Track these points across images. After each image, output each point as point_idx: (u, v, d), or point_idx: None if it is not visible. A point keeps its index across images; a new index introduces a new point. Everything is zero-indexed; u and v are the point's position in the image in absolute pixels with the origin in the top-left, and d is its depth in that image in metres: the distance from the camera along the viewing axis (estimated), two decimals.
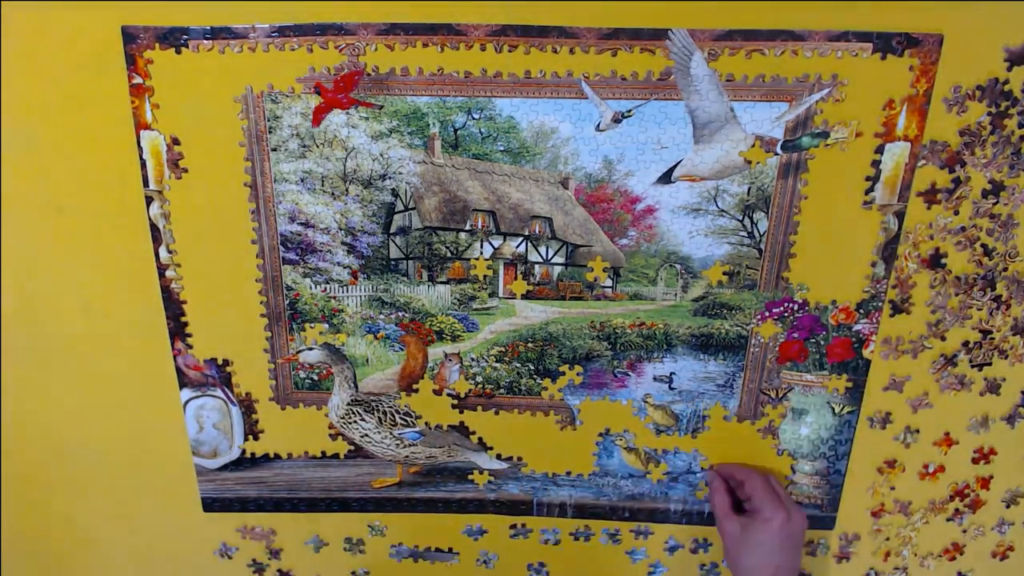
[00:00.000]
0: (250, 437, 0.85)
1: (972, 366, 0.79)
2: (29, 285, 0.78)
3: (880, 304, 0.76)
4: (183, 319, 0.78)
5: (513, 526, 0.89)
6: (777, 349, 0.78)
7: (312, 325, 0.79)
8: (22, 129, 0.71)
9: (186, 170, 0.72)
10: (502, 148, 0.71)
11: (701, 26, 0.65)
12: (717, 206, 0.73)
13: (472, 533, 0.90)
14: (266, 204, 0.74)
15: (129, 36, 0.66)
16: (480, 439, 0.84)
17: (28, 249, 0.76)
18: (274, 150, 0.71)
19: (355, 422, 0.82)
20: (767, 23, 0.65)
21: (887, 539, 0.88)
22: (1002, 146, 0.69)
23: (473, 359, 0.81)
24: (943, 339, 0.77)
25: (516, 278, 0.78)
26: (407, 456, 0.84)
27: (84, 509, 0.90)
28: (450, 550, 0.92)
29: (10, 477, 0.88)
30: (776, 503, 0.74)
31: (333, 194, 0.74)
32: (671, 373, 0.80)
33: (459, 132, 0.71)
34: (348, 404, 0.81)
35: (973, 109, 0.67)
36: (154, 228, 0.74)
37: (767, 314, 0.77)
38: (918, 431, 0.82)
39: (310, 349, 0.79)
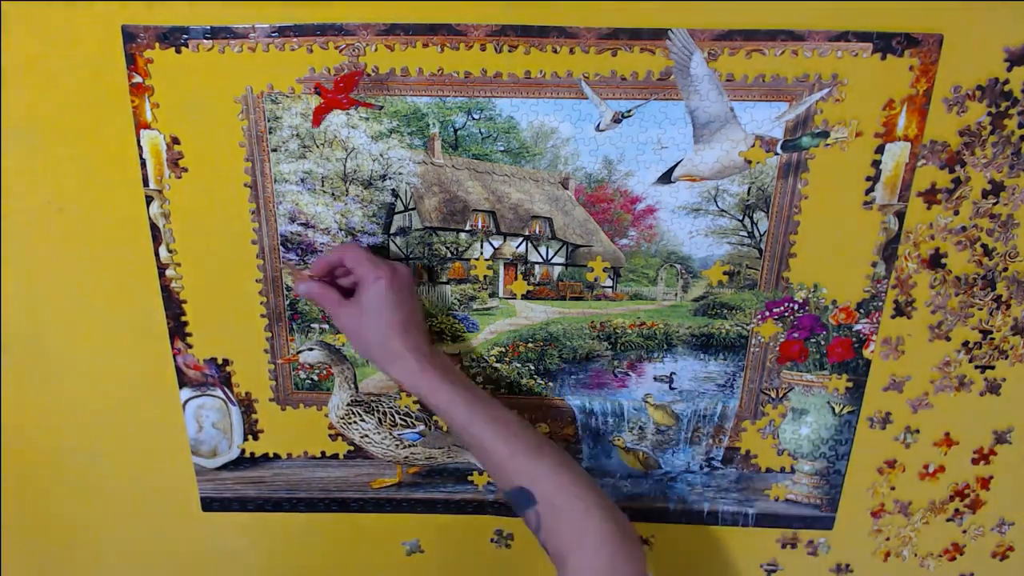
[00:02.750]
0: (250, 437, 0.85)
1: (973, 366, 0.79)
2: (29, 285, 0.78)
3: (880, 304, 0.76)
4: (183, 319, 0.78)
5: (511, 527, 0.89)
6: (777, 349, 0.78)
7: (313, 325, 0.79)
8: (22, 129, 0.71)
9: (186, 170, 0.72)
10: (502, 148, 0.71)
11: (701, 26, 0.65)
12: (717, 206, 0.72)
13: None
14: (266, 204, 0.73)
15: (129, 36, 0.66)
16: None
17: (28, 249, 0.76)
18: (274, 150, 0.71)
19: (355, 422, 0.82)
20: (767, 23, 0.65)
21: (887, 539, 0.88)
22: (1002, 146, 0.69)
23: (473, 359, 0.81)
24: (944, 339, 0.77)
25: (516, 278, 0.78)
26: (407, 457, 0.84)
27: (84, 509, 0.90)
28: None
29: (10, 477, 0.88)
30: (377, 263, 0.69)
31: (333, 194, 0.74)
32: (671, 373, 0.80)
33: (459, 132, 0.71)
34: (348, 404, 0.81)
35: (973, 109, 0.67)
36: (154, 228, 0.74)
37: (767, 314, 0.77)
38: (918, 431, 0.82)
39: (310, 350, 0.79)
